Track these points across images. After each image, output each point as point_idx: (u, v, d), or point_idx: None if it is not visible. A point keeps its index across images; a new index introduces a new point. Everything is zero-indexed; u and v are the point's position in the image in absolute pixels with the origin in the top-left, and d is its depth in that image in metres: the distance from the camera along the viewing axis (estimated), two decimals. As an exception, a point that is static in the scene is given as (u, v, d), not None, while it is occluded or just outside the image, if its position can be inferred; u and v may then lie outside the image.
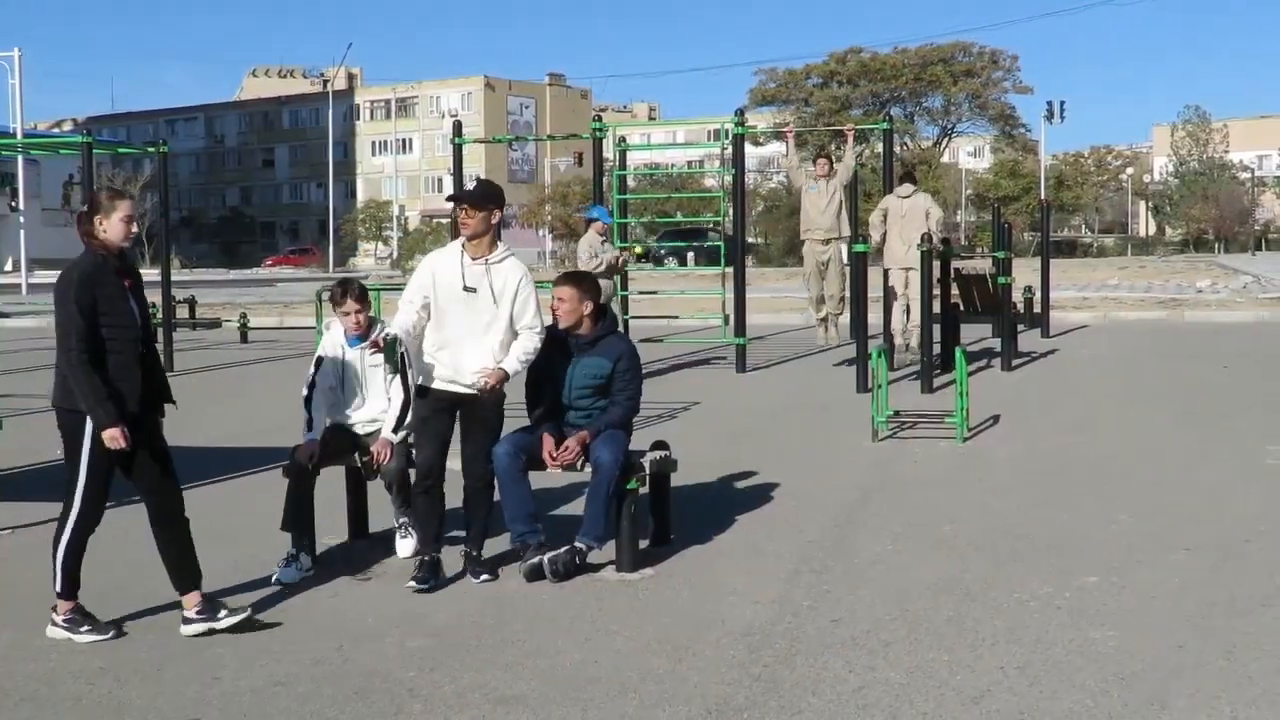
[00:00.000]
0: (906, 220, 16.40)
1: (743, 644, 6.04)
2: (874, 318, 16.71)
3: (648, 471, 7.62)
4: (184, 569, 6.43)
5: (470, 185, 7.34)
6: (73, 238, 6.62)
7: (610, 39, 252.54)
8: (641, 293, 21.77)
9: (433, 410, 7.16)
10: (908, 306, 16.67)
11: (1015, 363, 17.51)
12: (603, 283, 15.92)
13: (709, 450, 11.06)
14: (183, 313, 26.81)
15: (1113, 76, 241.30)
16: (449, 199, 7.33)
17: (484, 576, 7.19)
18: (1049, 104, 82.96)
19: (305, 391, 7.74)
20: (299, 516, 7.42)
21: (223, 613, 6.33)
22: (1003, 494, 9.35)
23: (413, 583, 7.00)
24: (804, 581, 7.08)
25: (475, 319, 7.03)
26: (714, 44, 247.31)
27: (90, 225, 6.28)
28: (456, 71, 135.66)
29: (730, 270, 18.32)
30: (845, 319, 18.08)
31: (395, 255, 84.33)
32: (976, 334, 19.69)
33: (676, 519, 8.02)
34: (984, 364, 17.54)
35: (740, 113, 18.58)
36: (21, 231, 49.57)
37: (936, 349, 15.70)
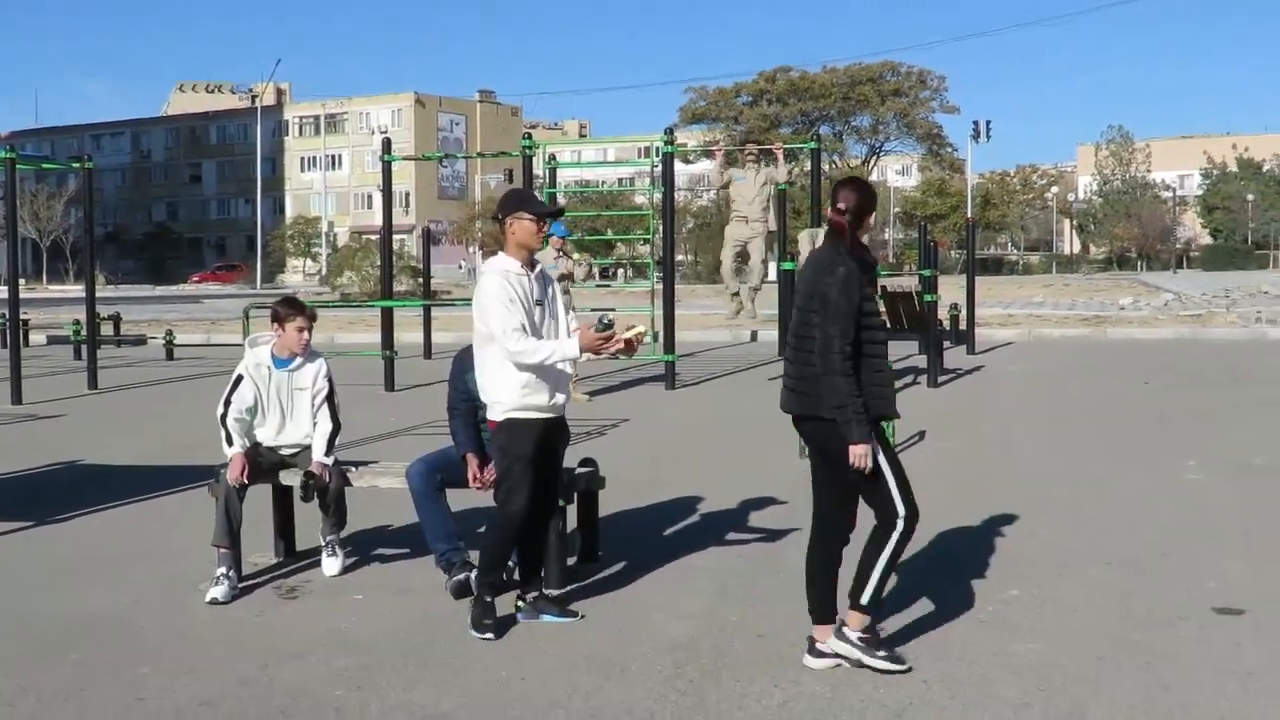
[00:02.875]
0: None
1: (669, 659, 6.07)
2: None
3: (575, 489, 7.63)
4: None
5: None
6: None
7: (541, 56, 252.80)
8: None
9: (535, 447, 6.50)
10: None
11: (941, 379, 17.69)
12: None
13: (638, 467, 11.10)
14: (107, 330, 26.52)
15: (1038, 97, 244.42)
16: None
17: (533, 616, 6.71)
18: (975, 123, 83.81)
19: (221, 409, 7.59)
20: (231, 531, 7.36)
21: None
22: (927, 509, 9.41)
23: (487, 634, 6.42)
24: (731, 597, 7.13)
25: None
26: (645, 62, 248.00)
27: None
28: (386, 88, 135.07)
29: (659, 287, 18.40)
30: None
31: (324, 272, 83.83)
32: (903, 351, 19.86)
33: (605, 536, 8.04)
34: (910, 380, 17.69)
35: (670, 131, 18.66)
36: (-58, 247, 48.84)
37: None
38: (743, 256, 18.97)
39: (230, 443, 7.52)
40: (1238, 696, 5.45)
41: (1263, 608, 6.72)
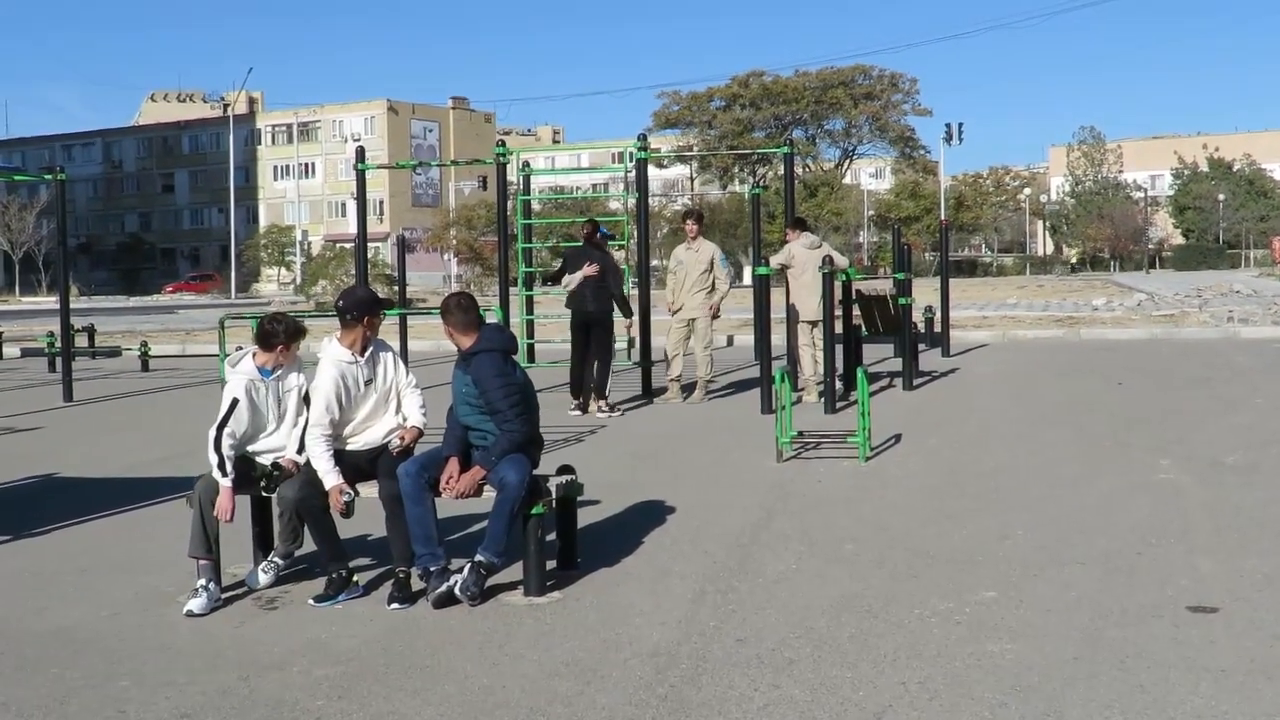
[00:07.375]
0: (816, 273, 15.73)
1: (650, 665, 6.10)
2: (777, 339, 16.86)
3: (553, 495, 7.66)
4: None
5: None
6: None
7: (513, 62, 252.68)
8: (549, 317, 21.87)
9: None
10: (814, 356, 16.29)
11: (916, 382, 17.77)
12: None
13: (614, 473, 11.13)
14: (82, 341, 26.44)
15: (1010, 99, 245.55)
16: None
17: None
18: (947, 126, 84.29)
19: (214, 433, 7.38)
20: (208, 541, 7.34)
21: None
22: (904, 512, 9.50)
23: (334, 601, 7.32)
24: (709, 602, 7.16)
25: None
26: (617, 67, 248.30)
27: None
28: (359, 95, 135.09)
29: (635, 293, 18.43)
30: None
31: (299, 281, 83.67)
32: (878, 354, 19.96)
33: (583, 542, 8.06)
34: (886, 383, 17.77)
35: (643, 136, 18.71)
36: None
37: (839, 369, 15.88)
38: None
39: (224, 471, 7.36)
40: (1212, 694, 5.51)
41: (1235, 605, 6.79)
